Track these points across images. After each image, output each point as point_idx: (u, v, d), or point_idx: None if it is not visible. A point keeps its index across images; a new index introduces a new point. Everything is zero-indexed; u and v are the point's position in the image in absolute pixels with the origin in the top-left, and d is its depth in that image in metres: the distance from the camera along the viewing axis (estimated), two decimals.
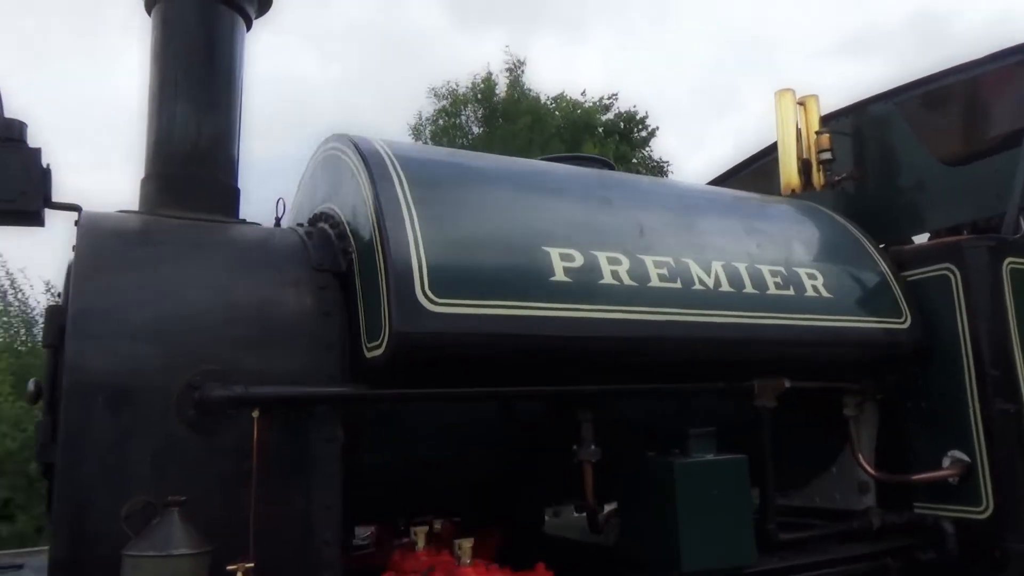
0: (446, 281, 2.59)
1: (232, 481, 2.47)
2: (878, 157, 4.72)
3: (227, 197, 3.24)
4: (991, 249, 3.64)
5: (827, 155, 4.72)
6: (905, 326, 3.61)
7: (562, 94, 29.00)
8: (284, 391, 2.53)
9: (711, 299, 3.15)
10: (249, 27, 3.49)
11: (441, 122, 27.70)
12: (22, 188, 2.83)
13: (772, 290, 3.37)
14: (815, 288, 3.50)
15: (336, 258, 2.92)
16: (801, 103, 4.94)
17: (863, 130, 4.82)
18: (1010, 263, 3.65)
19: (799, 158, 4.83)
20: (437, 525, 3.31)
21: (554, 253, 2.86)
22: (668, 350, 3.03)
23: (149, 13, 3.24)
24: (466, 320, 2.57)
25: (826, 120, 4.91)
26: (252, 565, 2.31)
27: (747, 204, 4.13)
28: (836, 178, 4.69)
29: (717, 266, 3.25)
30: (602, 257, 2.97)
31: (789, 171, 4.84)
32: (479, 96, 27.92)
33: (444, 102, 27.99)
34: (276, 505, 2.55)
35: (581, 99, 29.21)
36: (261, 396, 2.45)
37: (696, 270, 3.18)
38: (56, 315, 2.48)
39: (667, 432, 3.06)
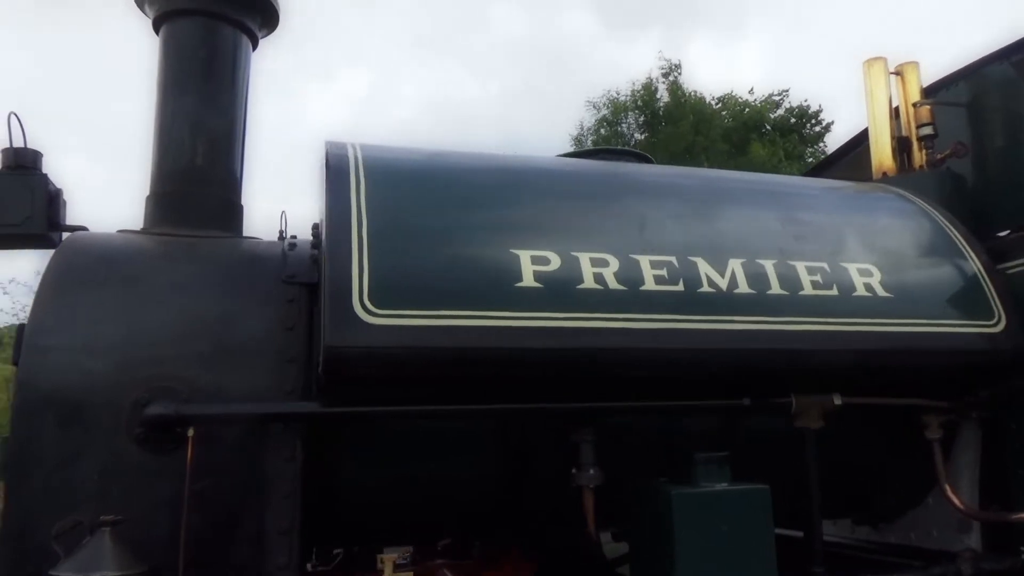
0: (390, 291, 2.39)
1: (178, 502, 2.42)
2: (993, 130, 3.95)
3: (227, 213, 3.24)
4: None
5: (928, 130, 4.02)
6: (998, 328, 2.95)
7: (729, 94, 28.04)
8: (221, 409, 2.45)
9: (722, 303, 2.71)
10: (255, 45, 3.51)
11: (603, 131, 27.60)
12: (28, 213, 2.99)
13: (808, 290, 2.85)
14: (868, 287, 2.93)
15: (311, 270, 2.82)
16: (897, 72, 4.26)
17: (975, 99, 4.06)
18: None
19: (893, 136, 4.16)
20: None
21: (524, 256, 2.58)
22: (662, 362, 2.63)
23: (157, 33, 3.32)
24: (408, 332, 2.35)
25: (929, 92, 4.20)
26: None
27: (796, 192, 3.60)
28: (939, 155, 3.98)
29: (735, 264, 2.80)
30: (584, 258, 2.64)
31: (882, 151, 4.18)
32: (639, 102, 27.58)
33: (604, 111, 27.91)
34: (225, 528, 2.47)
35: (749, 97, 28.06)
36: (194, 415, 2.38)
37: (706, 269, 2.76)
38: (20, 333, 2.56)
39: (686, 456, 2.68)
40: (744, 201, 3.24)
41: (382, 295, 2.37)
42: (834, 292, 2.87)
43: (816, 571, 2.80)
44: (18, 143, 3.00)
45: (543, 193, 2.92)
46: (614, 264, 2.65)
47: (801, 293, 2.83)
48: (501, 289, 2.49)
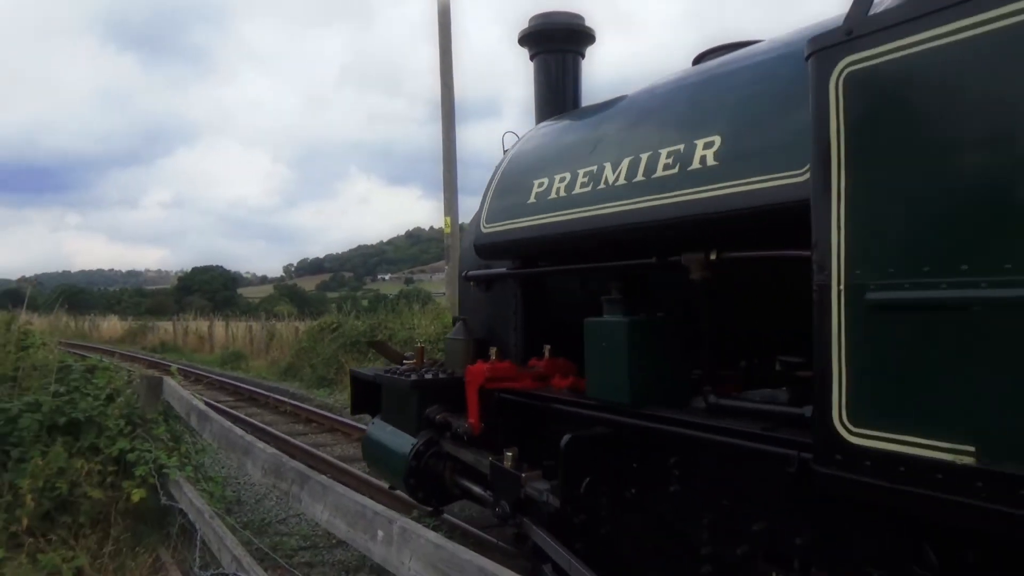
0: (492, 214, 4.80)
1: None
2: None
3: None
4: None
5: None
6: (805, 177, 2.81)
7: None
8: None
9: (608, 194, 3.82)
10: (584, 57, 5.77)
11: None
12: None
13: (659, 172, 3.53)
14: (703, 159, 3.29)
15: None
16: None
17: None
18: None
19: None
20: None
21: (535, 183, 4.46)
22: (583, 239, 4.00)
23: (532, 60, 5.99)
24: (492, 235, 4.74)
25: None
26: None
27: (714, 80, 3.61)
28: None
29: (624, 163, 3.78)
30: (556, 178, 4.28)
31: None
32: None
33: None
34: None
35: None
36: None
37: (607, 172, 3.88)
38: None
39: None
40: (666, 104, 3.77)
41: (489, 218, 4.81)
42: (675, 171, 3.44)
43: (705, 388, 3.54)
44: None
45: (570, 136, 4.46)
46: (568, 179, 4.19)
47: (655, 176, 3.56)
48: (522, 206, 4.51)
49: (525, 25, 5.80)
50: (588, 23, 5.80)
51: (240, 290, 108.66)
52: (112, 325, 43.71)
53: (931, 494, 2.14)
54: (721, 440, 3.17)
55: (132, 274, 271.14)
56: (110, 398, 5.71)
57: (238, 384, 16.86)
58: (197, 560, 4.12)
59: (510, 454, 4.32)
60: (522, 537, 4.43)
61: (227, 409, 12.55)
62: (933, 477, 2.13)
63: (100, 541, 5.00)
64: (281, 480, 3.31)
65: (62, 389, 5.60)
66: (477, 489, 4.75)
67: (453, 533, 5.91)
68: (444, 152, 14.90)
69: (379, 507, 2.54)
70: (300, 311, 50.89)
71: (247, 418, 11.80)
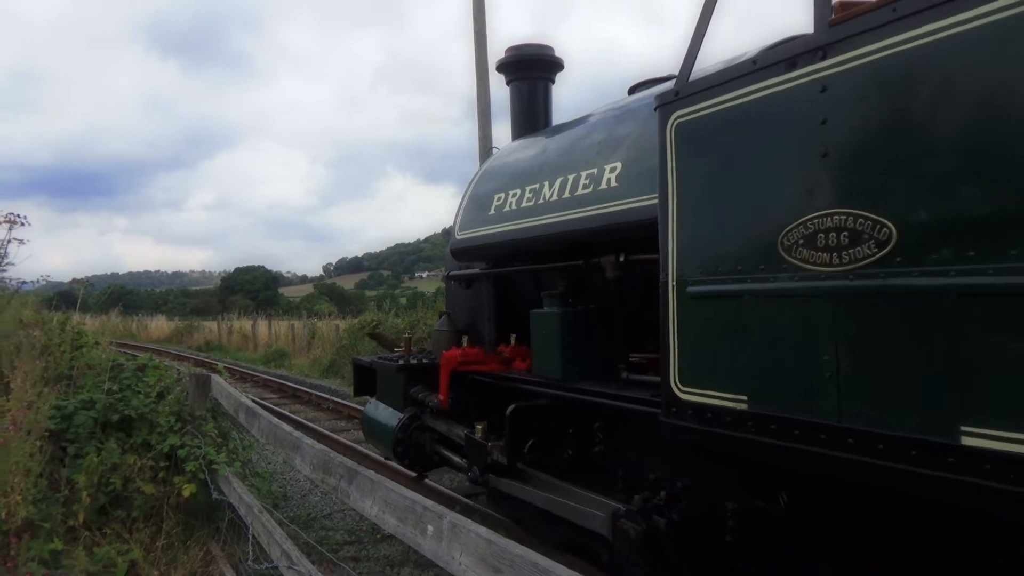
0: (463, 224, 5.67)
1: None
2: None
3: None
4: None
5: None
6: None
7: None
8: None
9: (546, 208, 4.67)
10: (553, 82, 6.61)
11: None
12: None
13: (579, 191, 4.37)
14: (608, 181, 4.12)
15: None
16: None
17: None
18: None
19: None
20: None
21: (495, 197, 5.32)
22: (528, 245, 4.86)
23: (508, 85, 6.84)
24: (463, 241, 5.61)
25: None
26: None
27: (625, 114, 4.47)
28: None
29: (558, 182, 4.62)
30: (510, 193, 5.14)
31: None
32: None
33: None
34: None
35: None
36: None
37: (546, 189, 4.73)
38: None
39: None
40: (583, 137, 4.63)
41: (463, 225, 5.68)
42: (590, 189, 4.28)
43: (620, 367, 4.35)
44: None
45: (527, 159, 5.31)
46: (519, 194, 5.04)
47: (576, 193, 4.40)
48: (485, 217, 5.37)
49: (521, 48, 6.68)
50: (558, 53, 6.64)
51: (281, 289, 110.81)
52: (159, 325, 44.74)
53: (725, 432, 2.96)
54: (620, 406, 3.99)
55: (177, 275, 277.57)
56: (160, 395, 5.82)
57: (282, 382, 16.98)
58: (251, 553, 4.12)
59: (480, 427, 5.18)
60: (495, 495, 5.30)
61: (271, 406, 12.58)
62: (725, 420, 2.95)
63: (153, 535, 5.07)
64: (330, 475, 3.32)
65: (115, 387, 5.70)
66: (452, 456, 5.63)
67: (440, 498, 6.78)
68: (480, 147, 15.22)
69: (428, 502, 2.53)
70: (340, 310, 51.75)
71: (291, 415, 11.98)
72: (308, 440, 3.79)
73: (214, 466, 5.16)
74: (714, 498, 3.51)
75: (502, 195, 5.30)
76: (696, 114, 3.11)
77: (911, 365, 2.29)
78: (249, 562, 4.13)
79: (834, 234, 2.52)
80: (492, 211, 5.35)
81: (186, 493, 5.14)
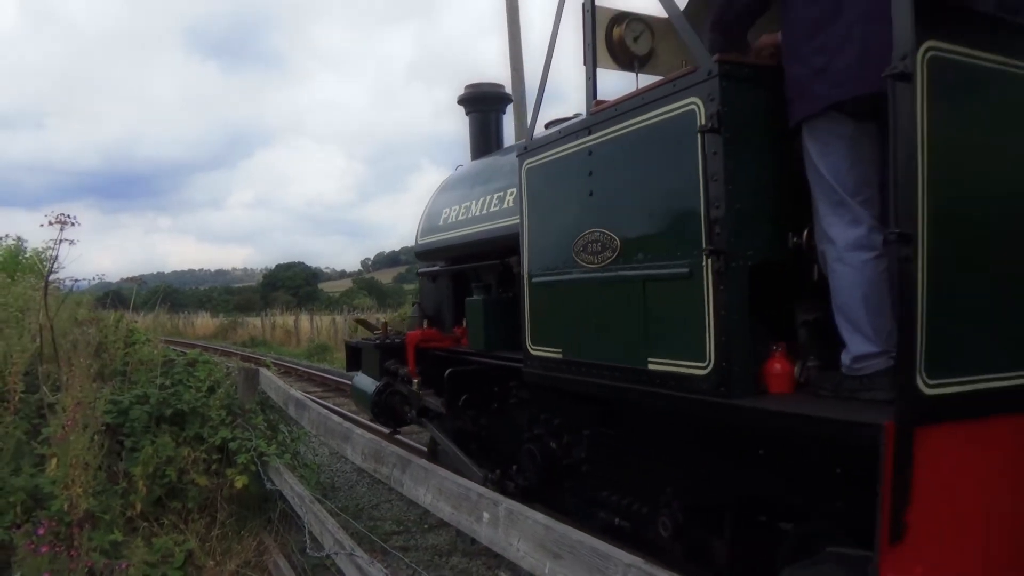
0: (423, 231, 7.24)
1: None
2: None
3: None
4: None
5: None
6: None
7: None
8: None
9: (473, 220, 6.22)
10: (504, 113, 8.13)
11: None
12: None
13: (491, 208, 5.91)
14: (508, 201, 5.65)
15: None
16: None
17: None
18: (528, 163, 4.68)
19: None
20: None
21: (444, 210, 6.88)
22: (463, 248, 6.42)
23: (467, 115, 8.35)
24: (423, 245, 7.18)
25: None
26: None
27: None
28: None
29: (483, 199, 6.16)
30: (454, 208, 6.69)
31: None
32: None
33: None
34: None
35: None
36: None
37: (474, 205, 6.27)
38: None
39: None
40: (502, 165, 6.12)
41: (423, 232, 7.25)
42: (496, 207, 5.81)
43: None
44: None
45: (472, 183, 6.84)
46: (460, 209, 6.58)
47: (491, 210, 5.94)
48: (438, 226, 6.92)
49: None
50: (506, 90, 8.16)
51: (321, 285, 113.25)
52: (205, 322, 46.45)
53: (550, 374, 4.48)
54: (514, 366, 5.52)
55: (220, 273, 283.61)
56: (211, 390, 5.95)
57: (325, 375, 17.36)
58: (308, 543, 4.20)
59: (416, 381, 6.75)
60: (432, 441, 6.91)
61: (316, 399, 12.04)
62: (550, 365, 4.47)
63: (208, 525, 5.22)
64: (382, 465, 3.34)
65: (167, 382, 5.86)
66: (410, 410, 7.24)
67: (410, 451, 8.28)
68: (515, 138, 15.38)
69: (482, 489, 2.52)
70: (379, 303, 53.10)
71: (336, 407, 12.12)
72: (359, 430, 3.85)
73: (265, 458, 5.32)
74: (574, 428, 5.02)
75: (448, 209, 6.86)
76: (535, 163, 4.63)
77: (625, 322, 3.79)
78: (307, 551, 4.23)
79: (593, 244, 4.02)
80: (441, 221, 6.92)
81: (239, 484, 5.29)
